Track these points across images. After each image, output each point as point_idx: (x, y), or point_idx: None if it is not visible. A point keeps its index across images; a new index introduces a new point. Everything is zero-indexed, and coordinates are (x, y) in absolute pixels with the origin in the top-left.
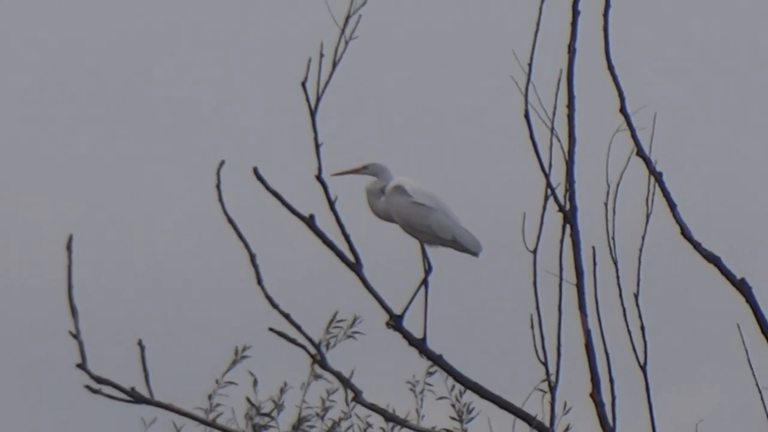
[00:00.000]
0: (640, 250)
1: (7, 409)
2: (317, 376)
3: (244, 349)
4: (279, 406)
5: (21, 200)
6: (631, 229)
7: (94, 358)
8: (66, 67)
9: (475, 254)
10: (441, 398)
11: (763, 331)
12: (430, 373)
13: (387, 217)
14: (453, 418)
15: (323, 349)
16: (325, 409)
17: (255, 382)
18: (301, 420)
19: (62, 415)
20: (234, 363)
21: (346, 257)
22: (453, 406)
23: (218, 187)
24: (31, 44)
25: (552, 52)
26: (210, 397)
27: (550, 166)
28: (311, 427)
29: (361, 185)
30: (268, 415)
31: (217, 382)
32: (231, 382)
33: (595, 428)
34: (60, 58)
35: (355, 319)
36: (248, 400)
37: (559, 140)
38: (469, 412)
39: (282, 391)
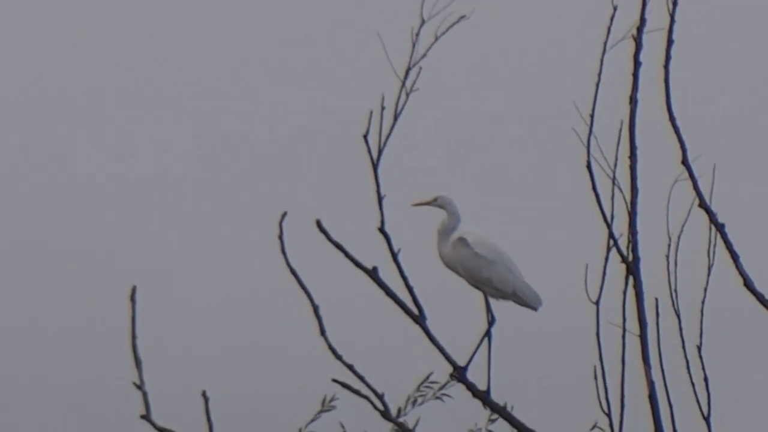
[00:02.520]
0: (703, 302)
1: None
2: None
3: (331, 400)
4: None
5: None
6: (693, 280)
7: (158, 410)
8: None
9: (534, 309)
10: None
11: None
12: (491, 420)
13: (451, 265)
14: None
15: (408, 405)
16: None
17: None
18: None
19: None
20: (320, 413)
21: (409, 309)
22: None
23: (281, 238)
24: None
25: (613, 102)
26: None
27: (613, 217)
28: None
29: (424, 237)
30: None
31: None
32: None
33: None
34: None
35: (447, 382)
36: None
37: (621, 191)
38: None
39: None
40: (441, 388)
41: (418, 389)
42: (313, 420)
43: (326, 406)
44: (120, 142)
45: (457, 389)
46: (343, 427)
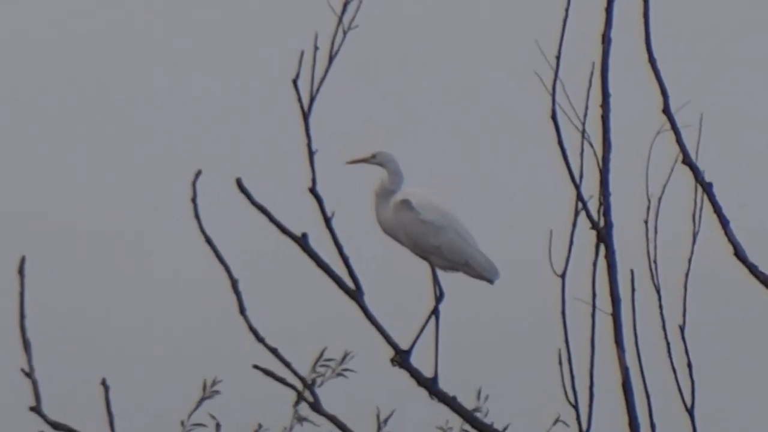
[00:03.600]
0: (687, 275)
1: None
2: (302, 419)
3: (213, 383)
4: None
5: None
6: (675, 249)
7: (49, 399)
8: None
9: (490, 281)
10: None
11: None
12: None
13: (393, 232)
14: None
15: (305, 390)
16: None
17: (217, 426)
18: None
19: None
20: (202, 400)
21: (344, 283)
22: None
23: (194, 201)
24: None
25: (584, 42)
26: None
27: (582, 176)
28: None
29: (362, 199)
30: None
31: (182, 424)
32: (199, 424)
33: None
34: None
35: (345, 355)
36: None
37: (591, 146)
38: None
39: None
40: (340, 364)
41: (313, 369)
42: (195, 409)
43: (207, 392)
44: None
45: (362, 362)
46: (214, 417)
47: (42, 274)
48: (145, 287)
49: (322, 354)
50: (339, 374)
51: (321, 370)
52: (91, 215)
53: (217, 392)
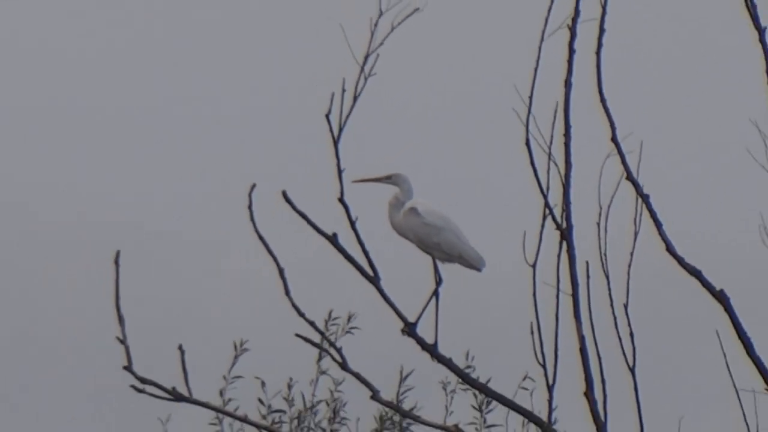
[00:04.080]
0: (629, 265)
1: (60, 409)
2: (323, 372)
3: (242, 344)
4: (290, 402)
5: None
6: (621, 245)
7: (138, 362)
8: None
9: (478, 270)
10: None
11: (739, 337)
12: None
13: (403, 233)
14: (474, 407)
15: (324, 341)
16: (335, 400)
17: (263, 384)
18: (309, 410)
19: (111, 414)
20: (236, 357)
21: (365, 271)
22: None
23: (250, 208)
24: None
25: (550, 86)
26: (221, 392)
27: (548, 188)
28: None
29: (379, 207)
30: (280, 411)
31: (224, 378)
32: (238, 377)
33: (589, 424)
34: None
35: (350, 316)
36: (260, 401)
37: (556, 165)
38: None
39: (290, 386)
40: (348, 322)
41: (326, 328)
42: (232, 366)
43: (239, 350)
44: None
45: (379, 332)
46: (259, 378)
47: (131, 267)
48: (215, 277)
49: (330, 315)
50: (347, 332)
51: (332, 328)
52: (169, 220)
53: (246, 350)
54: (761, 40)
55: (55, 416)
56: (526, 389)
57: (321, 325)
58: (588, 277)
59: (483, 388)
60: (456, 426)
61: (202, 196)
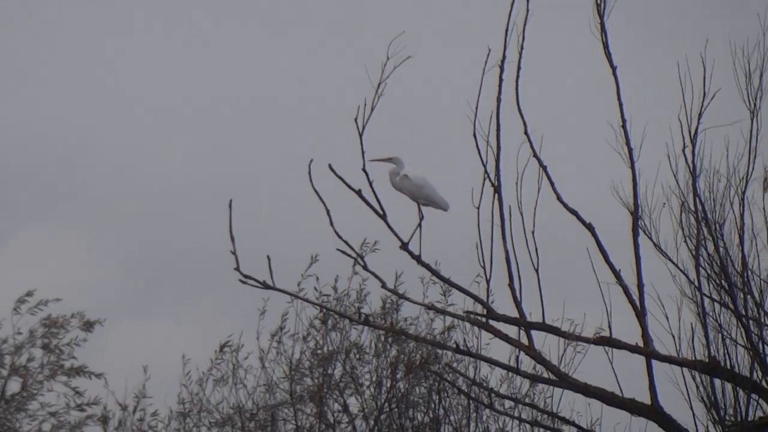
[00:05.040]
0: (535, 208)
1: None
2: (355, 273)
3: (316, 256)
4: (335, 290)
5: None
6: (531, 197)
7: (244, 265)
8: None
9: (445, 210)
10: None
11: (600, 251)
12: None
13: (399, 189)
14: (440, 294)
15: (365, 258)
16: (362, 289)
17: (317, 278)
18: (346, 295)
19: (224, 299)
20: (311, 264)
21: (378, 210)
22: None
23: (309, 174)
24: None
25: (489, 101)
26: (299, 284)
27: (486, 162)
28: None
29: (385, 174)
30: (327, 294)
31: (302, 275)
32: (310, 275)
33: (511, 304)
34: None
35: (376, 242)
36: (315, 288)
37: (491, 147)
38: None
39: (336, 280)
40: (373, 245)
41: (361, 248)
42: (308, 268)
43: (313, 259)
44: None
45: (386, 248)
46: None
47: (240, 210)
48: (291, 216)
49: (364, 241)
50: (373, 250)
51: (365, 248)
52: (266, 176)
53: (317, 260)
54: (614, 75)
55: (193, 306)
56: (477, 282)
57: (356, 246)
58: (510, 216)
59: (447, 281)
60: (431, 303)
61: (283, 165)
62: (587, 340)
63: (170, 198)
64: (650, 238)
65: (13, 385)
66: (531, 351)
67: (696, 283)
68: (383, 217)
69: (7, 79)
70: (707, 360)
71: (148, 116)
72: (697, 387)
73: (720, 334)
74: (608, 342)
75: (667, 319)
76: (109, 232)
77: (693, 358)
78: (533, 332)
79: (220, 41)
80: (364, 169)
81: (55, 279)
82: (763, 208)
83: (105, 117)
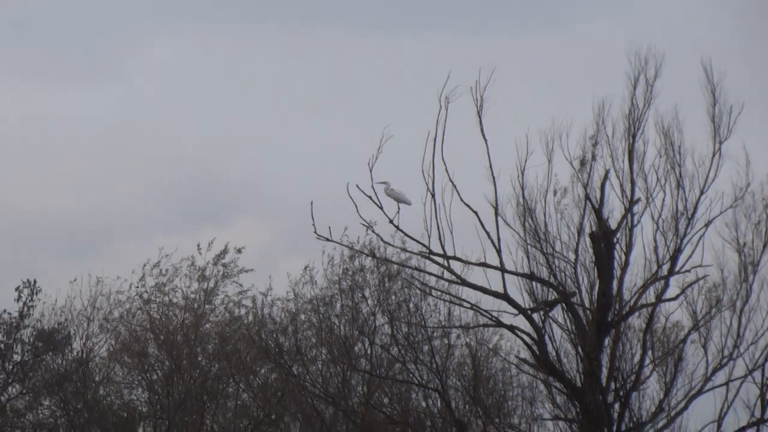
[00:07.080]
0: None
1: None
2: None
3: (372, 223)
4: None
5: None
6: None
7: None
8: None
9: (409, 204)
10: None
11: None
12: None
13: (389, 196)
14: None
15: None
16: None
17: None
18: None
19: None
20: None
21: (378, 205)
22: None
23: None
24: None
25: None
26: (340, 238)
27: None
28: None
29: (381, 189)
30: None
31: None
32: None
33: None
34: None
35: (375, 223)
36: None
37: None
38: None
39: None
40: (391, 220)
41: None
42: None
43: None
44: None
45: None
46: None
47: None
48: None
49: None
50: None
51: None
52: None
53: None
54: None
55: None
56: (429, 236)
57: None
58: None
59: (410, 236)
60: (404, 248)
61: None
62: (474, 263)
63: None
64: (505, 221)
65: None
66: (449, 269)
67: (524, 237)
68: (381, 207)
69: None
70: (529, 273)
71: None
72: (524, 285)
73: (536, 260)
74: (484, 264)
75: (510, 254)
76: None
77: (523, 272)
78: (451, 261)
79: None
80: (372, 187)
81: None
82: None
83: None
